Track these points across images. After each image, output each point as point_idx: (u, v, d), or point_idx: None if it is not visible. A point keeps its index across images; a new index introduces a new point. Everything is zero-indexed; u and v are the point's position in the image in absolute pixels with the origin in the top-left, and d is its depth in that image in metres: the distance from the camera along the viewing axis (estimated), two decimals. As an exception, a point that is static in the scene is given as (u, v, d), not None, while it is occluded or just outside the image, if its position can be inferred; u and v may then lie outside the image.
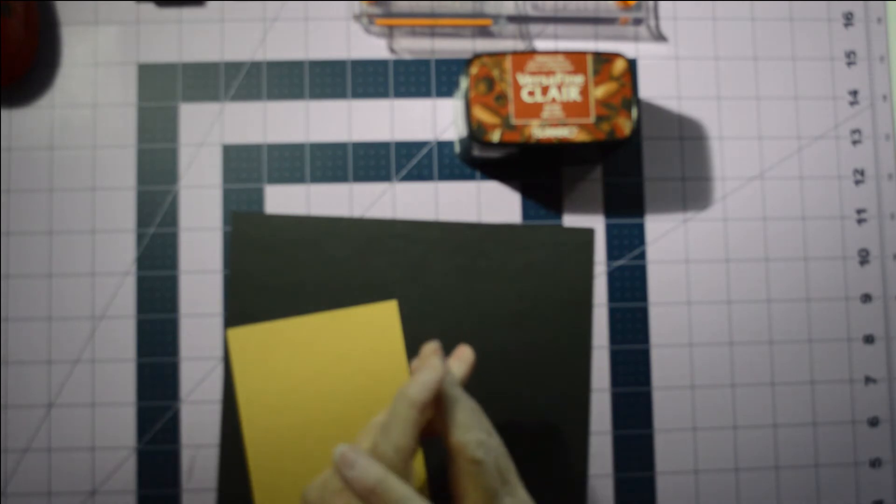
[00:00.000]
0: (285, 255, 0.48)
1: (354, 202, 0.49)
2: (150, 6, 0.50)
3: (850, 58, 0.52)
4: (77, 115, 0.49)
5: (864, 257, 0.51)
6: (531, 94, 0.43)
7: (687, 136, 0.51)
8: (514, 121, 0.43)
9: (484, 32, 0.51)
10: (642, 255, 0.50)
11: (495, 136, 0.43)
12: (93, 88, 0.49)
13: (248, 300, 0.48)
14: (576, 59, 0.44)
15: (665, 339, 0.50)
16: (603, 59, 0.44)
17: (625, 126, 0.44)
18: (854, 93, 0.52)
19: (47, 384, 0.48)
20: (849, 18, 0.52)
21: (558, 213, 0.50)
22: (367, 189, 0.50)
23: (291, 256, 0.48)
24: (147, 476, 0.47)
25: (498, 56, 0.44)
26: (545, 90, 0.44)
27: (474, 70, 0.44)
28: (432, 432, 0.39)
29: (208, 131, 0.49)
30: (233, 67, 0.50)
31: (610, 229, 0.50)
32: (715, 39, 0.52)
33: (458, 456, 0.36)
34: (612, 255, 0.50)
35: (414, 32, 0.51)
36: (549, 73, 0.44)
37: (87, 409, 0.47)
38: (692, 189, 0.51)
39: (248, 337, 0.48)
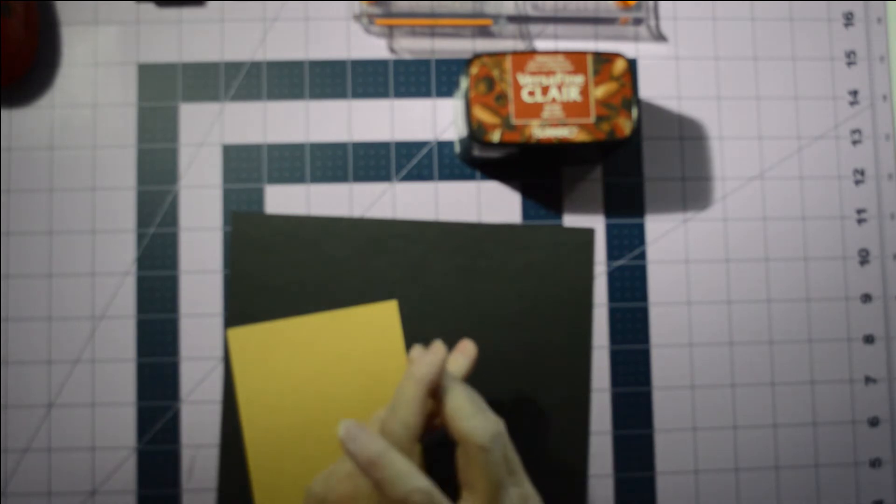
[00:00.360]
0: (285, 255, 0.48)
1: (354, 202, 0.49)
2: (150, 6, 0.50)
3: (850, 58, 0.52)
4: (77, 115, 0.49)
5: (864, 257, 0.51)
6: (531, 94, 0.43)
7: (687, 136, 0.51)
8: (515, 121, 0.43)
9: (484, 32, 0.51)
10: (642, 255, 0.50)
11: (495, 136, 0.43)
12: (93, 88, 0.49)
13: (248, 300, 0.48)
14: (576, 59, 0.44)
15: (665, 339, 0.50)
16: (603, 59, 0.44)
17: (625, 126, 0.44)
18: (854, 93, 0.52)
19: (47, 384, 0.48)
20: (849, 18, 0.52)
21: (558, 213, 0.50)
22: (367, 189, 0.50)
23: (291, 256, 0.48)
24: (147, 476, 0.47)
25: (498, 56, 0.44)
26: (545, 90, 0.44)
27: (474, 70, 0.44)
28: (434, 427, 0.39)
29: (208, 131, 0.49)
30: (233, 67, 0.50)
31: (610, 229, 0.50)
32: (715, 39, 0.52)
33: (466, 443, 0.36)
34: (612, 255, 0.50)
35: (414, 32, 0.51)
36: (550, 73, 0.44)
37: (87, 409, 0.47)
38: (692, 189, 0.51)
39: (248, 337, 0.48)
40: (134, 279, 0.48)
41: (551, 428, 0.48)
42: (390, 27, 0.50)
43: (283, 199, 0.49)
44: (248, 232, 0.49)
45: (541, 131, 0.43)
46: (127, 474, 0.47)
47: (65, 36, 0.50)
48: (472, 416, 0.36)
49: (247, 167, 0.49)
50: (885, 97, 0.52)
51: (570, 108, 0.44)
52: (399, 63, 0.51)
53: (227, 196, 0.49)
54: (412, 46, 0.51)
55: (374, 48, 0.51)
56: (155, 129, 0.49)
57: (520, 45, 0.51)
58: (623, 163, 0.51)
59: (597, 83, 0.44)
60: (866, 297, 0.51)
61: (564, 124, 0.43)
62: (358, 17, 0.49)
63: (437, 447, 0.46)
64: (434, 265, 0.49)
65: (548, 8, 0.50)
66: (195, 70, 0.50)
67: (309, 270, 0.48)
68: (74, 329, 0.48)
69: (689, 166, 0.51)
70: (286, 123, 0.50)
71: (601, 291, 0.50)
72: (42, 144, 0.49)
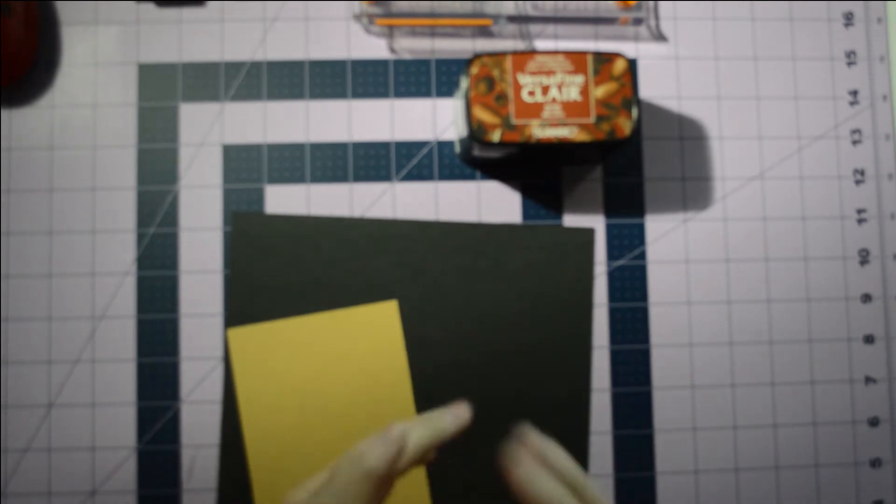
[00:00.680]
0: (285, 255, 0.48)
1: (354, 202, 0.49)
2: (150, 6, 0.50)
3: (850, 58, 0.52)
4: (77, 115, 0.49)
5: (864, 257, 0.51)
6: (531, 93, 0.43)
7: (687, 136, 0.51)
8: (515, 121, 0.43)
9: (484, 32, 0.51)
10: (642, 255, 0.50)
11: (495, 136, 0.43)
12: (93, 88, 0.49)
13: (248, 300, 0.48)
14: (576, 59, 0.44)
15: (665, 339, 0.50)
16: (603, 59, 0.44)
17: (625, 126, 0.44)
18: (854, 93, 0.52)
19: (47, 384, 0.48)
20: (849, 18, 0.52)
21: (558, 213, 0.50)
22: (367, 189, 0.50)
23: (291, 256, 0.48)
24: (147, 476, 0.47)
25: (498, 56, 0.44)
26: (545, 90, 0.44)
27: (474, 70, 0.44)
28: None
29: (208, 131, 0.49)
30: (233, 67, 0.50)
31: (610, 229, 0.50)
32: (715, 39, 0.52)
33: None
34: (612, 255, 0.50)
35: (414, 32, 0.51)
36: (550, 72, 0.44)
37: (87, 409, 0.47)
38: (692, 189, 0.51)
39: (248, 337, 0.48)
40: (134, 279, 0.48)
41: (551, 428, 0.48)
42: (390, 27, 0.50)
43: (283, 199, 0.49)
44: (248, 232, 0.49)
45: (541, 131, 0.43)
46: (127, 474, 0.47)
47: (65, 36, 0.50)
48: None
49: (247, 167, 0.49)
50: (885, 97, 0.52)
51: (571, 108, 0.44)
52: (399, 63, 0.51)
53: (227, 196, 0.49)
54: (412, 46, 0.51)
55: (374, 48, 0.51)
56: (155, 129, 0.49)
57: (520, 45, 0.51)
58: (623, 163, 0.51)
59: (597, 83, 0.44)
60: (866, 297, 0.51)
61: (564, 124, 0.43)
62: (358, 17, 0.49)
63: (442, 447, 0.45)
64: (434, 265, 0.49)
65: (548, 8, 0.50)
66: (195, 70, 0.50)
67: (309, 270, 0.48)
68: (74, 329, 0.48)
69: (689, 166, 0.51)
70: (286, 123, 0.50)
71: (601, 291, 0.50)
72: (42, 144, 0.49)
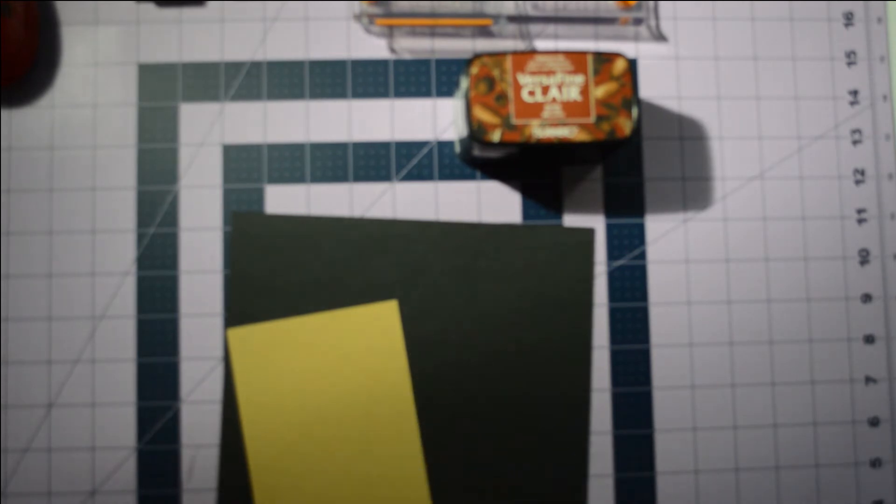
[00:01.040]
0: (285, 255, 0.48)
1: (354, 202, 0.49)
2: (150, 6, 0.50)
3: (850, 58, 0.52)
4: (77, 115, 0.49)
5: (864, 257, 0.51)
6: (531, 93, 0.43)
7: (687, 136, 0.51)
8: (515, 121, 0.43)
9: (484, 32, 0.51)
10: (642, 255, 0.50)
11: (495, 136, 0.43)
12: (93, 88, 0.49)
13: (248, 300, 0.48)
14: (576, 59, 0.44)
15: (665, 339, 0.50)
16: (603, 59, 0.44)
17: (625, 126, 0.44)
18: (854, 93, 0.52)
19: (47, 384, 0.48)
20: (849, 18, 0.52)
21: (558, 213, 0.50)
22: (367, 189, 0.50)
23: (291, 256, 0.48)
24: (147, 476, 0.47)
25: (498, 56, 0.44)
26: (545, 90, 0.44)
27: (475, 70, 0.44)
28: None
29: (208, 131, 0.50)
30: (233, 67, 0.50)
31: (610, 229, 0.50)
32: (715, 39, 0.52)
33: None
34: (612, 255, 0.50)
35: (414, 32, 0.51)
36: (550, 72, 0.44)
37: (87, 409, 0.47)
38: (692, 189, 0.51)
39: (248, 337, 0.48)
40: (134, 279, 0.48)
41: (551, 428, 0.48)
42: (390, 27, 0.50)
43: (283, 199, 0.49)
44: (248, 232, 0.49)
45: (541, 131, 0.43)
46: (127, 474, 0.47)
47: (65, 36, 0.50)
48: None
49: (247, 167, 0.49)
50: (885, 97, 0.52)
51: (571, 108, 0.44)
52: (399, 63, 0.51)
53: (227, 196, 0.49)
54: (412, 46, 0.51)
55: (374, 48, 0.51)
56: (155, 129, 0.49)
57: (520, 45, 0.51)
58: (623, 163, 0.51)
59: (597, 83, 0.44)
60: (866, 297, 0.51)
61: (564, 124, 0.43)
62: (358, 17, 0.49)
63: (437, 445, 0.46)
64: (434, 265, 0.49)
65: (548, 8, 0.50)
66: (195, 70, 0.50)
67: (309, 270, 0.48)
68: (74, 329, 0.48)
69: (689, 166, 0.51)
70: (286, 123, 0.50)
71: (601, 291, 0.50)
72: (42, 144, 0.49)
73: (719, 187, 0.51)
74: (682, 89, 0.51)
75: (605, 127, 0.44)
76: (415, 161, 0.50)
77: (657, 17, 0.52)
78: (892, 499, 0.50)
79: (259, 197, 0.49)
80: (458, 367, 0.48)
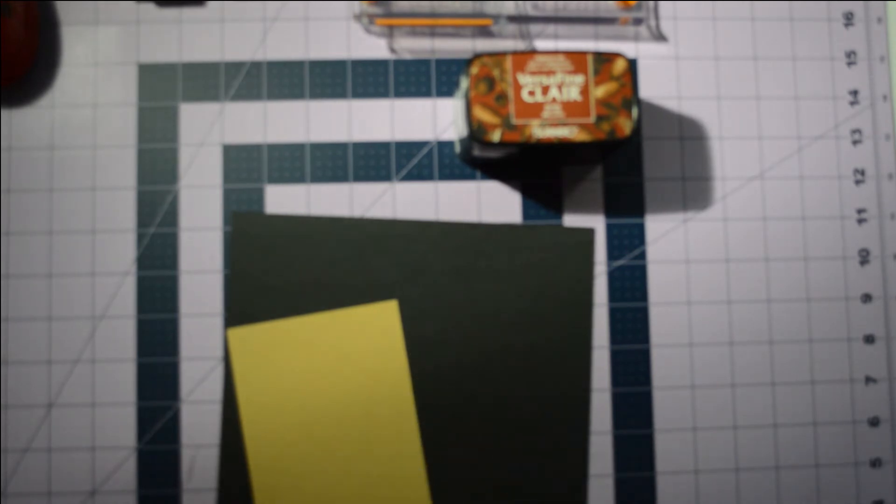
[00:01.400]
0: (285, 255, 0.48)
1: (354, 202, 0.49)
2: (150, 6, 0.50)
3: (850, 58, 0.52)
4: (77, 115, 0.49)
5: (864, 257, 0.51)
6: (531, 93, 0.43)
7: (687, 136, 0.51)
8: (515, 121, 0.43)
9: (484, 32, 0.51)
10: (642, 255, 0.50)
11: (495, 136, 0.43)
12: (93, 88, 0.49)
13: (248, 300, 0.48)
14: (576, 59, 0.44)
15: (665, 339, 0.50)
16: (603, 59, 0.44)
17: (625, 126, 0.44)
18: (854, 93, 0.52)
19: (47, 384, 0.48)
20: (849, 18, 0.52)
21: (558, 213, 0.50)
22: (367, 189, 0.50)
23: (291, 256, 0.48)
24: (147, 476, 0.47)
25: (498, 56, 0.44)
26: (545, 90, 0.44)
27: (475, 70, 0.44)
28: None
29: (208, 131, 0.50)
30: (233, 67, 0.50)
31: (610, 229, 0.50)
32: (715, 39, 0.52)
33: None
34: (612, 255, 0.50)
35: (414, 32, 0.51)
36: (550, 72, 0.44)
37: (87, 409, 0.47)
38: (692, 189, 0.51)
39: (248, 337, 0.48)
40: (134, 279, 0.48)
41: (551, 428, 0.48)
42: (390, 27, 0.50)
43: (283, 199, 0.49)
44: (248, 232, 0.49)
45: (541, 131, 0.43)
46: (127, 474, 0.47)
47: (65, 36, 0.50)
48: None
49: (247, 167, 0.49)
50: (885, 97, 0.52)
51: (571, 108, 0.44)
52: (399, 63, 0.51)
53: (227, 196, 0.49)
54: (412, 46, 0.51)
55: (374, 48, 0.51)
56: (155, 129, 0.49)
57: (520, 45, 0.51)
58: (623, 163, 0.51)
59: (597, 83, 0.44)
60: (866, 297, 0.51)
61: (564, 124, 0.43)
62: (358, 17, 0.49)
63: (437, 445, 0.46)
64: (434, 265, 0.49)
65: (548, 8, 0.50)
66: (195, 70, 0.50)
67: (309, 270, 0.48)
68: (74, 329, 0.48)
69: (689, 166, 0.51)
70: (286, 123, 0.50)
71: (601, 291, 0.50)
72: (42, 144, 0.49)
73: (719, 187, 0.51)
74: (682, 89, 0.51)
75: (605, 127, 0.44)
76: (415, 161, 0.50)
77: (657, 17, 0.52)
78: (892, 499, 0.50)
79: (259, 197, 0.49)
80: (458, 367, 0.48)
